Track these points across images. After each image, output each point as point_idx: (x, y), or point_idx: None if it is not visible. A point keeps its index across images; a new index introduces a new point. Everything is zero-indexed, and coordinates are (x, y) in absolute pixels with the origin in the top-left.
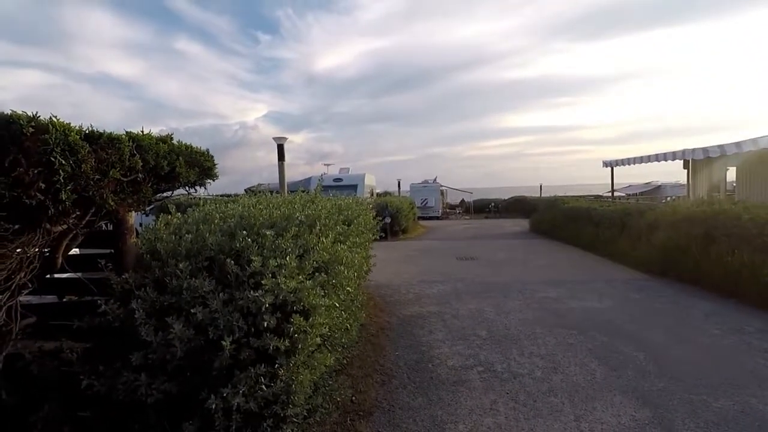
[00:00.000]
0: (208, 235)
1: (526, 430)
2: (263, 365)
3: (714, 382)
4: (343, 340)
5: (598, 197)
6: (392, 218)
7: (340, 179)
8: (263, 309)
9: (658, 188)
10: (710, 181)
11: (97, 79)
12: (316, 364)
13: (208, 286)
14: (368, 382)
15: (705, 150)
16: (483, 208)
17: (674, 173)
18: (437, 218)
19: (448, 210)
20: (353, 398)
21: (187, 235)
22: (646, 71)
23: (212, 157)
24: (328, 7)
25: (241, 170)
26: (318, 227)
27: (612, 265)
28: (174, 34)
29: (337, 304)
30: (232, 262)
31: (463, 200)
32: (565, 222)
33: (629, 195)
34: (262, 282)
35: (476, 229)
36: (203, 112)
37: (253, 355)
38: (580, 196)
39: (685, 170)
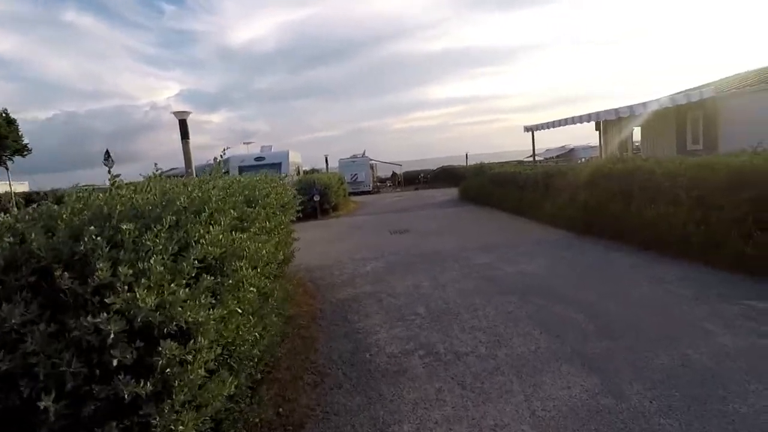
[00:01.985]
0: (33, 236)
1: (477, 419)
2: (122, 420)
3: (650, 336)
4: (256, 351)
5: (520, 162)
6: (321, 196)
7: (262, 158)
8: (110, 340)
9: (572, 151)
10: (619, 141)
11: None
12: (209, 397)
13: (23, 315)
14: (298, 385)
15: (616, 111)
16: (413, 180)
17: (586, 137)
18: (368, 193)
19: (378, 184)
20: (280, 410)
21: (6, 239)
22: (559, 40)
23: (12, 122)
24: None
25: (153, 155)
26: (207, 212)
27: (539, 226)
28: (60, 5)
29: (240, 310)
30: (67, 274)
31: (394, 173)
32: (492, 188)
33: (546, 159)
34: (107, 300)
35: (407, 200)
36: (106, 92)
37: (104, 409)
38: (505, 162)
39: (597, 131)
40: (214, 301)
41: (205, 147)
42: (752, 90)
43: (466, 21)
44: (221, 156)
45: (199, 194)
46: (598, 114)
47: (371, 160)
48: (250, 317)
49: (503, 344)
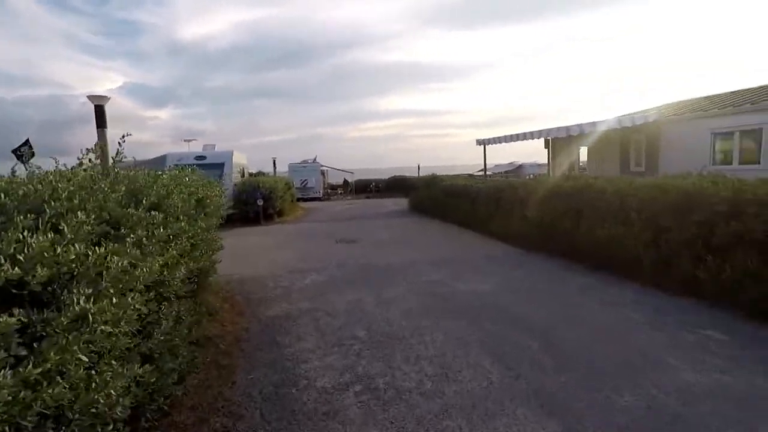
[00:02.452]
0: None
1: None
2: None
3: (610, 370)
4: (119, 410)
5: (471, 176)
6: (265, 200)
7: (203, 157)
8: None
9: (520, 167)
10: (568, 159)
11: None
12: None
13: None
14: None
15: (567, 128)
16: (364, 188)
17: (533, 155)
18: (318, 199)
19: (329, 191)
20: None
21: None
22: (512, 60)
23: None
24: None
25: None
26: (49, 213)
27: (491, 241)
28: None
29: (85, 358)
30: None
31: (345, 180)
32: (443, 200)
33: (495, 174)
34: None
35: (358, 209)
36: (38, 79)
37: None
38: (457, 175)
39: (546, 149)
40: (24, 353)
41: (149, 144)
42: (689, 117)
43: (424, 35)
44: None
45: (40, 186)
46: (549, 131)
47: (322, 166)
48: (112, 362)
49: (452, 378)
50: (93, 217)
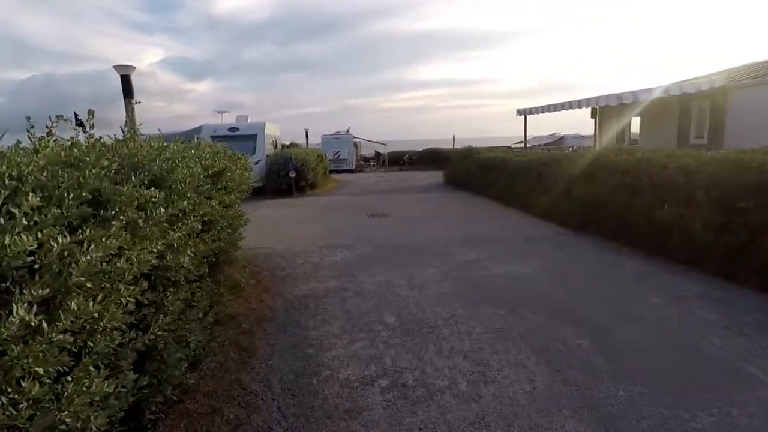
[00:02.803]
0: None
1: None
2: None
3: (678, 381)
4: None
5: (509, 148)
6: (297, 172)
7: (236, 128)
8: None
9: (561, 139)
10: (617, 130)
11: None
12: None
13: None
14: (212, 425)
15: (618, 96)
16: (398, 160)
17: (574, 126)
18: (351, 171)
19: (362, 162)
20: None
21: None
22: (552, 25)
23: None
24: None
25: (139, 122)
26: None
27: (530, 219)
28: None
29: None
30: None
31: (377, 152)
32: (479, 173)
33: (534, 147)
34: None
35: (390, 181)
36: (85, 55)
37: None
38: (494, 147)
39: (593, 119)
40: None
41: (190, 116)
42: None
43: (457, 1)
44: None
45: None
46: (598, 99)
47: (355, 138)
48: (90, 368)
49: (490, 379)
50: (71, 197)
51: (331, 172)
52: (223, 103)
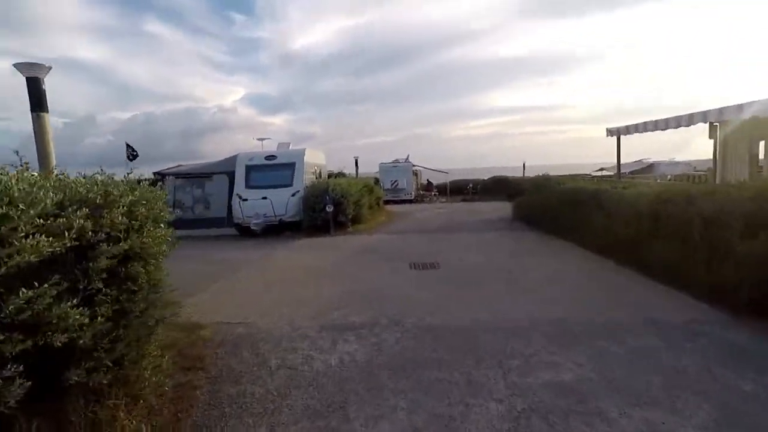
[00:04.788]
0: None
1: None
2: None
3: None
4: None
5: (593, 177)
6: (335, 206)
7: (273, 156)
8: None
9: (650, 166)
10: (747, 152)
11: (61, 64)
12: None
13: None
14: None
15: (746, 106)
16: (460, 190)
17: (660, 151)
18: (410, 201)
19: (422, 192)
20: None
21: None
22: (622, 52)
23: None
24: None
25: (220, 154)
26: None
27: (653, 286)
28: (141, 16)
29: None
30: None
31: (429, 181)
32: (561, 209)
33: (614, 174)
34: None
35: (449, 215)
36: (178, 95)
37: None
38: (575, 175)
39: (711, 140)
40: None
41: (268, 146)
42: None
43: (524, 28)
44: None
45: None
46: (718, 111)
47: (415, 165)
48: None
49: None
50: None
51: (387, 202)
52: (298, 135)
